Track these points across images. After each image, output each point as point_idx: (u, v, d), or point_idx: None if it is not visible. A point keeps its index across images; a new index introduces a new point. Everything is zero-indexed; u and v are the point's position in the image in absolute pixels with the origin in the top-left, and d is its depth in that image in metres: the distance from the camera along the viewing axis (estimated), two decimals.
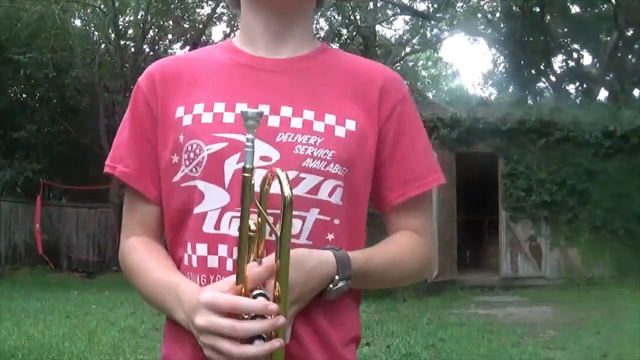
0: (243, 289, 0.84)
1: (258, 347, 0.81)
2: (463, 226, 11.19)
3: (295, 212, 0.91)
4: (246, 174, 0.83)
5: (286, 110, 0.98)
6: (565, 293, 9.44)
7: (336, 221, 0.98)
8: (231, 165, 0.96)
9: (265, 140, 0.95)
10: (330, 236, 0.97)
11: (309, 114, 0.98)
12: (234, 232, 0.93)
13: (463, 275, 10.47)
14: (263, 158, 0.95)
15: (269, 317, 0.82)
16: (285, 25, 1.03)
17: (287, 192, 0.83)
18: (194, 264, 0.96)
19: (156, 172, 1.03)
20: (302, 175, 0.95)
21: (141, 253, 1.03)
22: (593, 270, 10.32)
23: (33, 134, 13.62)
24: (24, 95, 15.25)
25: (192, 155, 0.98)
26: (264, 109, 0.97)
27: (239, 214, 0.91)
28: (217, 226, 0.95)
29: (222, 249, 0.94)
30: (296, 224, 0.94)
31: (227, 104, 0.99)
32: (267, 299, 0.83)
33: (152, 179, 1.04)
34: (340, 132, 0.99)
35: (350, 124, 1.00)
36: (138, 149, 1.04)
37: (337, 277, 0.91)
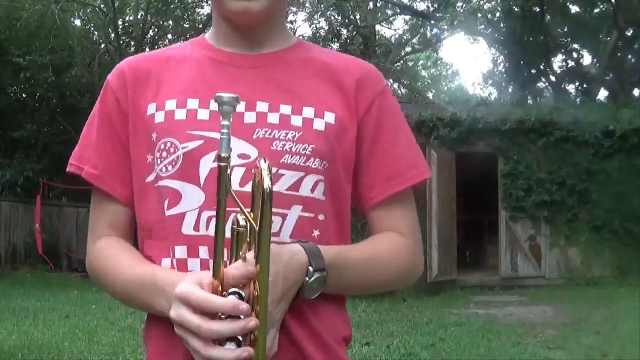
0: (220, 286, 0.80)
1: (224, 352, 0.77)
2: (463, 226, 11.19)
3: (274, 210, 0.85)
4: (222, 163, 0.79)
5: (262, 106, 0.96)
6: (565, 293, 9.44)
7: (321, 217, 0.96)
8: (207, 164, 0.93)
9: (242, 137, 0.93)
10: (316, 233, 0.95)
11: (285, 109, 0.96)
12: (211, 232, 0.90)
13: (463, 275, 10.47)
14: (241, 156, 0.93)
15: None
16: (256, 28, 1.00)
17: (266, 184, 0.78)
18: (175, 268, 0.93)
19: (127, 173, 1.01)
20: (281, 171, 0.93)
21: (111, 252, 1.00)
22: (593, 270, 10.33)
23: (33, 134, 13.62)
24: (24, 96, 15.25)
25: (165, 154, 0.95)
26: (240, 105, 0.93)
27: (214, 213, 0.88)
28: (196, 227, 0.92)
29: (203, 251, 0.91)
30: (276, 222, 0.90)
31: (201, 100, 0.96)
32: (242, 298, 0.78)
33: (122, 179, 1.01)
34: (319, 125, 0.96)
35: (330, 117, 0.97)
36: (106, 149, 1.01)
37: (310, 268, 0.88)
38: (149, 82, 1.00)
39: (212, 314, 0.79)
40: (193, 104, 0.96)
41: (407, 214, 1.04)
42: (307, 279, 0.88)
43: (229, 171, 0.79)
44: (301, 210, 0.94)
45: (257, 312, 0.79)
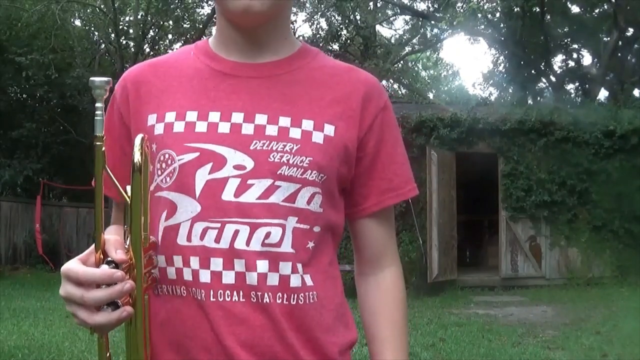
0: (101, 257, 0.85)
1: (105, 315, 0.83)
2: (463, 226, 11.19)
3: (274, 220, 0.92)
4: (97, 142, 0.84)
5: (261, 118, 0.96)
6: (565, 293, 9.45)
7: (316, 229, 0.97)
8: (203, 175, 0.94)
9: (238, 148, 0.94)
10: (311, 244, 0.96)
11: (284, 121, 0.96)
12: (206, 242, 0.93)
13: (463, 275, 10.47)
14: (237, 167, 0.93)
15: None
16: (259, 33, 1.00)
17: (136, 158, 0.86)
18: (172, 276, 0.95)
19: (128, 182, 1.03)
20: (277, 183, 0.93)
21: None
22: (593, 270, 10.33)
23: (33, 133, 13.61)
24: (24, 95, 15.24)
25: (164, 165, 0.97)
26: (238, 117, 0.95)
27: (209, 224, 0.93)
28: (189, 238, 0.94)
29: (194, 261, 0.93)
30: (276, 232, 0.93)
31: (200, 112, 0.97)
32: (117, 267, 0.84)
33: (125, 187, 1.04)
34: (318, 138, 0.96)
35: (329, 129, 0.97)
36: (113, 157, 1.02)
37: None
38: (150, 92, 1.01)
39: (93, 285, 0.83)
40: (191, 116, 0.97)
41: (391, 226, 1.10)
42: None
43: (103, 149, 0.85)
44: (296, 222, 0.95)
45: (134, 277, 0.86)
